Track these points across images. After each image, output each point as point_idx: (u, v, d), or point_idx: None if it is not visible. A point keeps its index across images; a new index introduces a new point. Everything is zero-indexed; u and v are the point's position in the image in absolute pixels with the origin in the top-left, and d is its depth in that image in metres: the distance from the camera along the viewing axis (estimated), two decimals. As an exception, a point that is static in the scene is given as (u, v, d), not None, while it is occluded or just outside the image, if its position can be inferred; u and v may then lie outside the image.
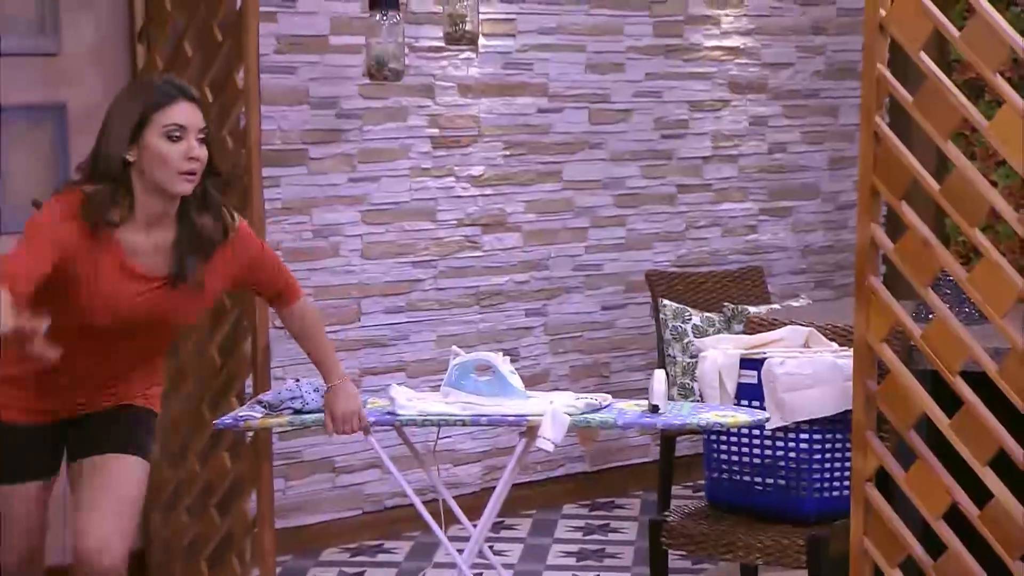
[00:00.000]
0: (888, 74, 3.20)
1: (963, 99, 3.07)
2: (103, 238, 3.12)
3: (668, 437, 5.02)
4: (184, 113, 3.14)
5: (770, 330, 4.05)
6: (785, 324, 4.07)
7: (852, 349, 3.33)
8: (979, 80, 3.02)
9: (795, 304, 5.32)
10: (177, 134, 3.12)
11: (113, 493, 3.23)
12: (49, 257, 3.03)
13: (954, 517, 3.14)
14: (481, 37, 5.23)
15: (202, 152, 3.16)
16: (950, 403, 3.14)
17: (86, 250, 3.10)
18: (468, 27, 4.80)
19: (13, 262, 2.99)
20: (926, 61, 3.12)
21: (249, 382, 4.24)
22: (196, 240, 3.19)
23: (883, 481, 3.29)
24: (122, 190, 3.11)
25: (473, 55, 5.39)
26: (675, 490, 5.22)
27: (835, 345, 3.94)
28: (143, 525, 4.51)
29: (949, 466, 3.15)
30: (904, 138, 3.24)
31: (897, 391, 3.21)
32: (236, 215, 3.33)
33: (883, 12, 3.17)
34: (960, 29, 3.06)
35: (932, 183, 3.16)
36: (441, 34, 4.93)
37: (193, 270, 3.19)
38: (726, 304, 5.24)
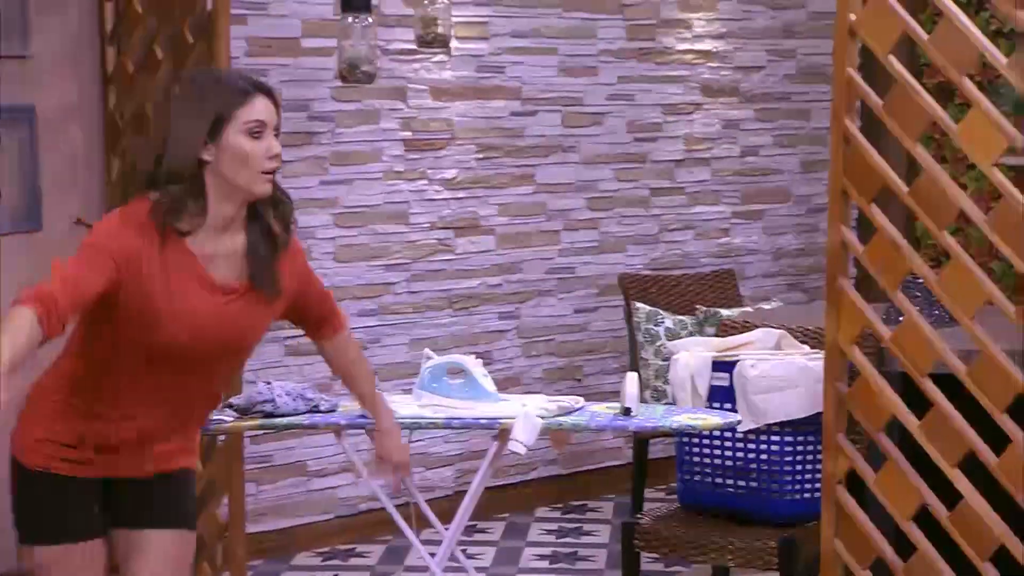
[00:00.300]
0: (858, 77, 3.21)
1: (932, 102, 3.09)
2: (175, 248, 2.80)
3: (641, 440, 5.02)
4: (265, 108, 2.83)
5: (742, 333, 4.06)
6: (757, 327, 4.08)
7: (823, 352, 3.34)
8: (949, 83, 3.04)
9: (767, 307, 5.33)
10: (258, 131, 2.81)
11: None
12: (102, 277, 2.70)
13: (924, 518, 3.15)
14: (454, 40, 5.22)
15: (280, 149, 2.88)
16: (921, 405, 3.15)
17: (157, 264, 2.78)
18: (440, 30, 4.79)
19: (56, 281, 2.65)
20: (895, 64, 3.13)
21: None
22: (270, 244, 2.89)
23: (855, 483, 3.30)
24: (194, 194, 2.80)
25: (446, 58, 5.38)
26: (648, 493, 5.22)
27: (807, 348, 3.95)
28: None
29: (919, 468, 3.17)
30: (875, 141, 3.26)
31: (867, 393, 3.22)
32: None
33: (853, 16, 3.18)
34: (929, 33, 3.07)
35: (901, 186, 3.17)
36: (413, 37, 4.92)
37: (272, 275, 2.89)
38: (699, 307, 5.25)
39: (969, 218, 3.08)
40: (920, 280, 3.64)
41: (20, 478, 2.91)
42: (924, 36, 3.07)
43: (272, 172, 2.84)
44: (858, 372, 3.26)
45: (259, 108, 2.82)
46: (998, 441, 3.00)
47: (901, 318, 3.27)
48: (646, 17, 5.92)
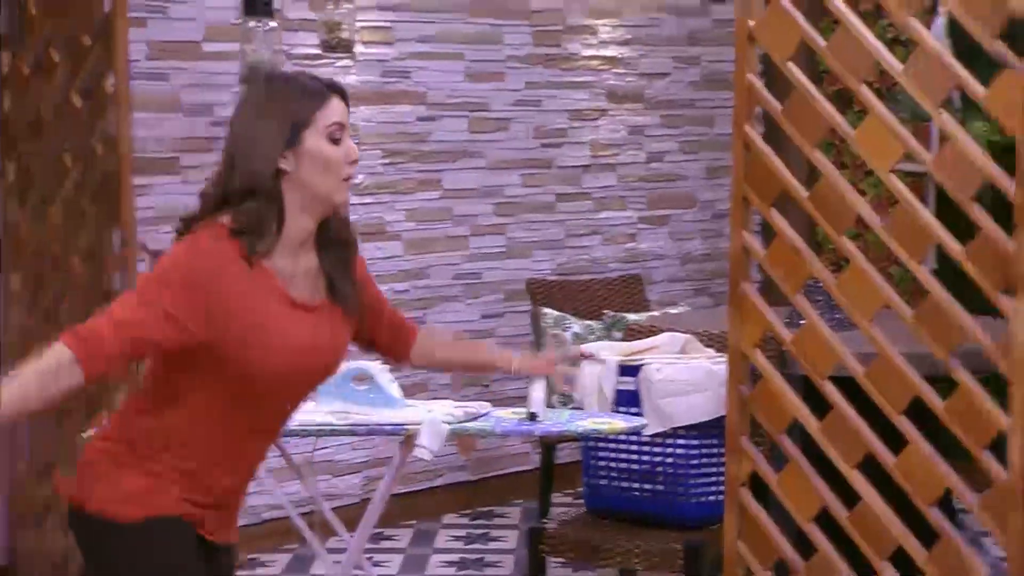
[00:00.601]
0: (758, 84, 3.24)
1: (830, 108, 3.13)
2: (259, 272, 2.50)
3: (547, 445, 5.03)
4: (341, 109, 2.55)
5: (648, 337, 4.09)
6: (663, 331, 4.11)
7: (728, 355, 3.37)
8: (848, 90, 3.07)
9: (673, 311, 5.37)
10: (338, 134, 2.54)
11: None
12: (162, 323, 2.42)
13: (826, 519, 3.19)
14: (359, 45, 5.20)
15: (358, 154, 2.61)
16: (823, 408, 3.19)
17: (244, 292, 2.48)
18: (345, 35, 4.77)
19: (106, 322, 2.40)
20: (794, 71, 3.17)
21: (122, 397, 4.16)
22: (343, 255, 2.63)
23: (761, 486, 3.33)
24: (273, 208, 2.50)
25: (351, 63, 5.35)
26: (556, 498, 5.23)
27: (712, 352, 3.98)
28: (10, 543, 4.40)
29: (821, 470, 3.20)
30: (777, 147, 3.29)
31: (769, 396, 3.26)
32: None
33: (752, 23, 3.22)
34: (828, 40, 3.11)
35: (801, 191, 3.21)
36: (318, 42, 4.89)
37: (351, 288, 2.63)
38: (606, 312, 5.27)
39: (868, 223, 3.12)
40: (821, 284, 3.69)
41: (115, 536, 2.53)
42: (822, 43, 3.10)
43: (350, 178, 2.58)
44: (761, 375, 3.29)
45: (337, 109, 2.54)
46: (897, 442, 3.04)
47: (803, 322, 3.30)
48: (552, 23, 5.94)
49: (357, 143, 2.64)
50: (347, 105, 2.57)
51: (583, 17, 6.03)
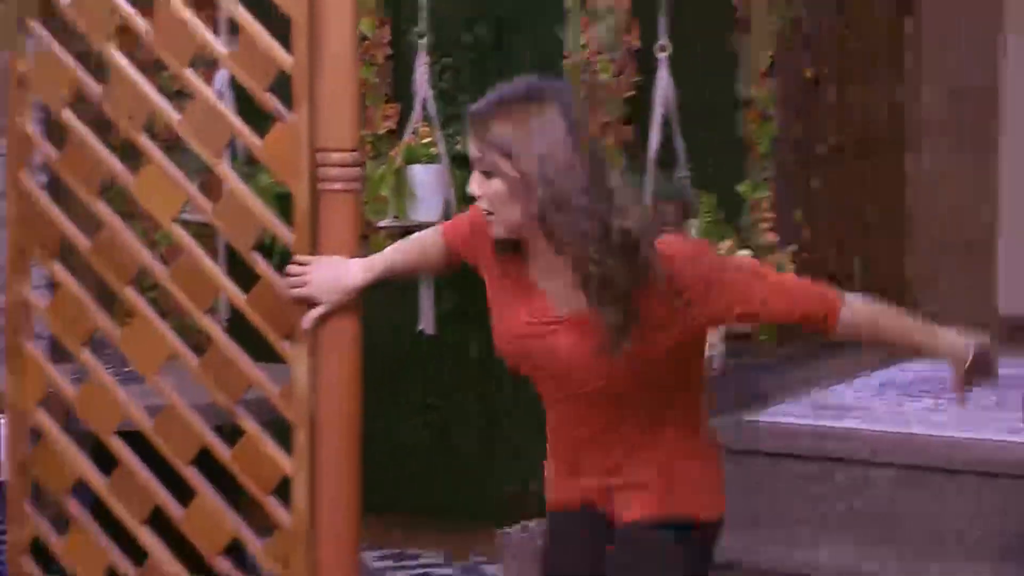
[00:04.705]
0: (33, 130, 3.13)
1: (108, 156, 3.07)
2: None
3: None
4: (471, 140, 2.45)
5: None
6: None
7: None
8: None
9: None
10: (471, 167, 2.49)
11: None
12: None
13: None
14: None
15: (482, 186, 2.42)
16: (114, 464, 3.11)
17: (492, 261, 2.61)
18: None
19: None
20: (71, 118, 3.09)
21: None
22: (596, 284, 2.48)
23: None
24: None
25: None
26: None
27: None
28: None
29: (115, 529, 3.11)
30: (61, 197, 3.20)
31: (52, 456, 3.13)
32: None
33: (23, 68, 3.10)
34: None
35: (84, 241, 3.12)
36: None
37: (615, 318, 2.49)
38: None
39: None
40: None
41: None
42: (97, 90, 3.04)
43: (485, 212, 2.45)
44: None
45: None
46: (191, 495, 3.02)
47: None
48: None
49: None
50: (479, 131, 2.40)
51: None
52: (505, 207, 2.39)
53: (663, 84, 4.53)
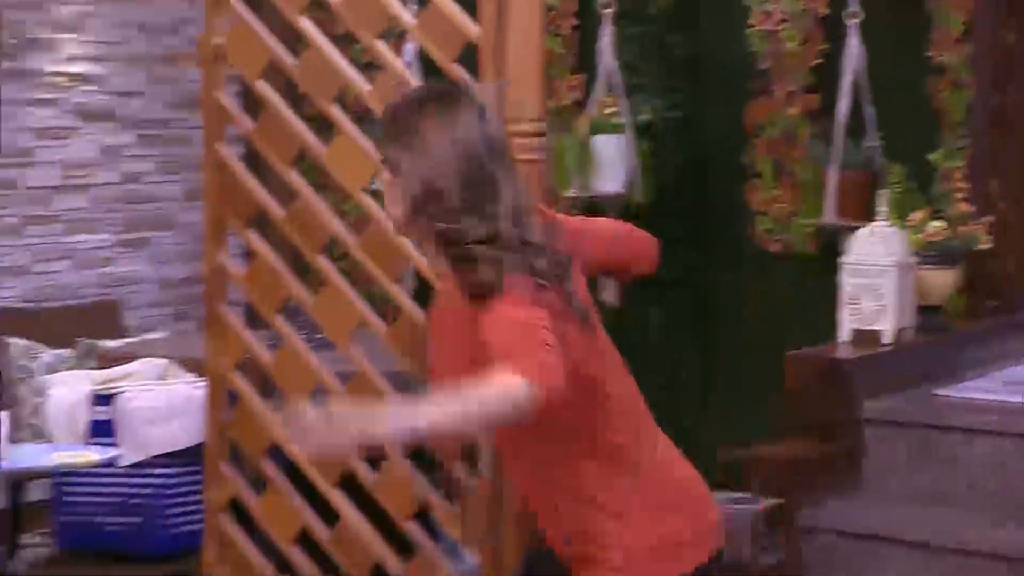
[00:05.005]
0: (228, 103, 3.20)
1: (303, 128, 3.12)
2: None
3: (17, 483, 4.73)
4: None
5: (123, 364, 3.95)
6: (139, 357, 3.99)
7: (206, 379, 3.29)
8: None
9: (152, 337, 5.22)
10: None
11: None
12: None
13: (311, 541, 3.17)
14: None
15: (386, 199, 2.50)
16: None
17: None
18: None
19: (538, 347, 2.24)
20: (266, 90, 3.15)
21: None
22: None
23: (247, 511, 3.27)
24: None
25: None
26: (29, 539, 4.93)
27: (192, 376, 3.90)
28: None
29: (308, 492, 3.18)
30: (257, 168, 3.26)
31: (249, 419, 3.21)
32: None
33: (219, 41, 3.17)
34: (302, 60, 3.11)
35: (278, 211, 3.18)
36: None
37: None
38: (79, 339, 5.05)
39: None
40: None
41: None
42: (292, 63, 3.10)
43: None
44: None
45: None
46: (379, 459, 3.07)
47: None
48: (11, 37, 5.63)
49: None
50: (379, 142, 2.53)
51: (46, 31, 5.75)
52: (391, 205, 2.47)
53: (853, 51, 4.43)
